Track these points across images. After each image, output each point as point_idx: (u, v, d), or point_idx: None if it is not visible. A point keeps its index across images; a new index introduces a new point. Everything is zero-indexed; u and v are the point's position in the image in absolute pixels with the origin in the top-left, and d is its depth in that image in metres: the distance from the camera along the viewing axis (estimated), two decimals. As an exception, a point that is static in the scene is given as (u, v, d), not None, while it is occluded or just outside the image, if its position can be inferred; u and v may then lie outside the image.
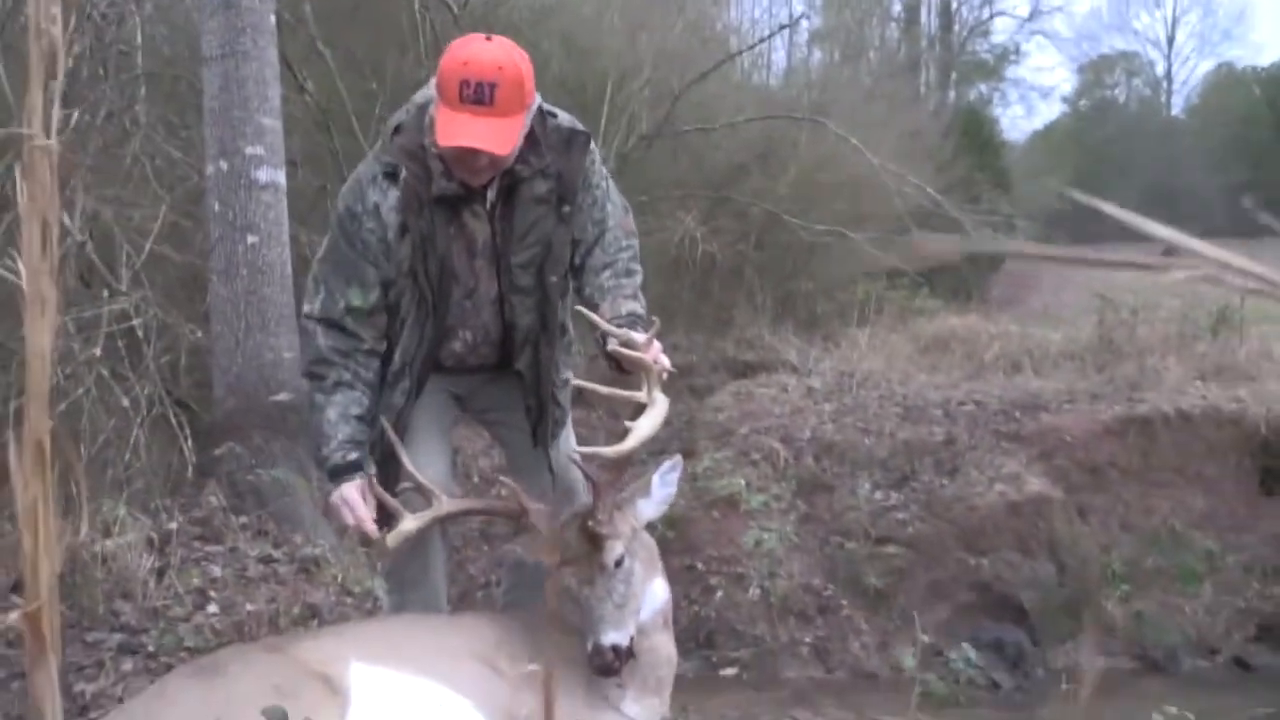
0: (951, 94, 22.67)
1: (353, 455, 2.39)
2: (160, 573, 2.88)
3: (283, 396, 4.07)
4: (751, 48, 11.65)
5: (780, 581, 6.03)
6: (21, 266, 0.55)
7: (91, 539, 2.89)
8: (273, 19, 4.16)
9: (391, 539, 2.17)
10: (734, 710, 5.06)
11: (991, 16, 24.38)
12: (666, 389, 7.40)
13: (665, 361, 2.30)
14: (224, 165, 4.01)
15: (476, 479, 6.41)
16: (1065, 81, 49.57)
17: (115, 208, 4.36)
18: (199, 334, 4.55)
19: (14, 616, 0.50)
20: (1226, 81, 34.73)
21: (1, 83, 3.65)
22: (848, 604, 5.99)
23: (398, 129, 2.41)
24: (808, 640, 5.88)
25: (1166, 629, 5.92)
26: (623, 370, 2.28)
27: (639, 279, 2.53)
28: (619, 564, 2.17)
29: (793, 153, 11.11)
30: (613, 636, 2.10)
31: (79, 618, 2.61)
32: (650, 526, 6.50)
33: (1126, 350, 7.63)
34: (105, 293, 4.19)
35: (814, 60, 18.42)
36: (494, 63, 2.21)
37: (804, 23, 18.02)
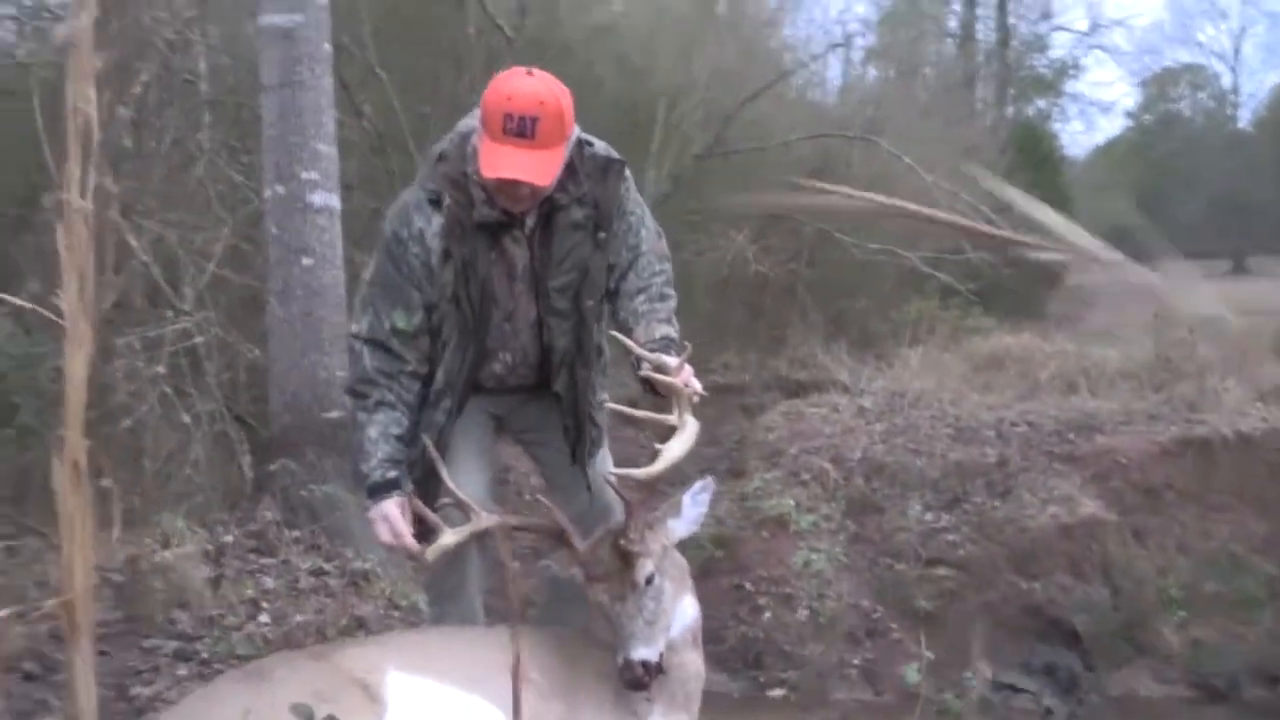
0: (1009, 110, 22.40)
1: (392, 473, 2.46)
2: (216, 583, 2.99)
3: (335, 414, 4.19)
4: (803, 67, 11.67)
5: (829, 602, 6.00)
6: (64, 307, 0.62)
7: (151, 550, 3.01)
8: (328, 48, 4.30)
9: (430, 553, 2.24)
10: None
11: (1049, 31, 24.08)
12: (719, 407, 7.41)
13: (696, 385, 2.34)
14: (281, 190, 4.16)
15: (527, 496, 6.49)
16: (1126, 96, 48.68)
17: (180, 231, 4.53)
18: (257, 353, 4.70)
19: (51, 604, 0.57)
20: (1295, 94, 33.85)
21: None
22: (897, 626, 5.94)
23: (441, 157, 2.50)
24: (856, 662, 5.84)
25: (1226, 656, 5.76)
26: (657, 393, 2.33)
27: (673, 303, 2.59)
28: (649, 581, 2.22)
29: (846, 171, 11.08)
30: (643, 652, 2.14)
31: (137, 625, 2.72)
32: (700, 546, 6.54)
33: (1186, 370, 7.45)
34: (170, 313, 4.36)
35: (869, 77, 18.37)
36: (536, 97, 2.28)
37: (859, 40, 18.00)
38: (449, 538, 2.24)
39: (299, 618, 2.79)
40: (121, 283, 4.04)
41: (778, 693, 5.69)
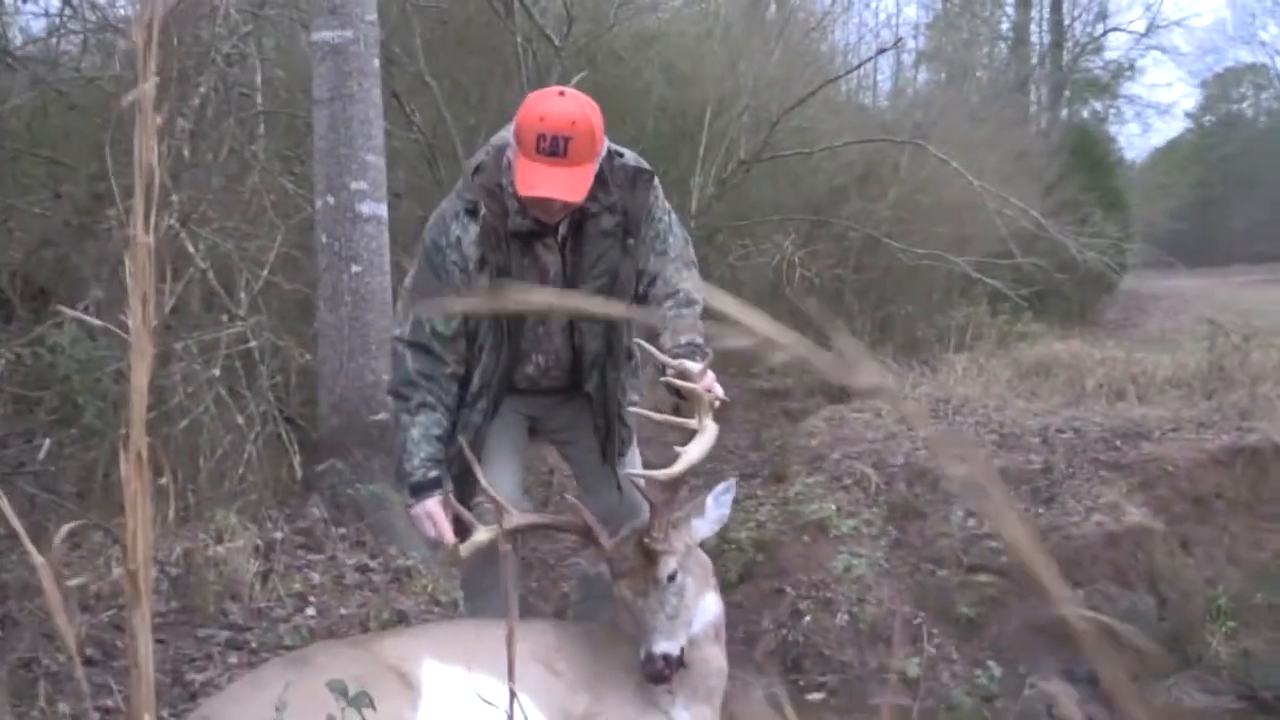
0: (1064, 112, 22.06)
1: (433, 473, 2.57)
2: (265, 577, 3.11)
3: (382, 416, 4.31)
4: (849, 72, 11.65)
5: (869, 607, 6.00)
6: (131, 323, 0.72)
7: (205, 545, 3.14)
8: (377, 63, 4.43)
9: (465, 549, 2.33)
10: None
11: (1105, 33, 23.61)
12: (762, 411, 7.46)
13: (718, 390, 2.41)
14: (331, 200, 4.29)
15: (570, 496, 6.59)
16: (1186, 97, 47.59)
17: (235, 239, 4.70)
18: (307, 357, 4.84)
19: (118, 573, 0.66)
20: (1365, 93, 32.89)
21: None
22: (938, 632, 5.92)
23: (478, 169, 2.61)
24: (913, 676, 5.83)
25: (1276, 668, 5.66)
26: (681, 398, 2.40)
27: (699, 308, 2.66)
28: (672, 578, 2.29)
29: (893, 175, 11.06)
30: (664, 646, 2.21)
31: (192, 615, 2.85)
32: (741, 550, 6.56)
33: (1238, 378, 7.33)
34: (225, 317, 4.51)
35: (920, 80, 18.26)
36: (568, 117, 2.37)
37: (910, 43, 17.89)
38: (482, 535, 2.33)
39: (343, 611, 2.91)
40: (180, 289, 4.20)
41: (816, 696, 5.70)
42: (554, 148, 2.34)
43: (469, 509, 2.46)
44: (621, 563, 2.31)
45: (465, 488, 2.56)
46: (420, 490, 2.57)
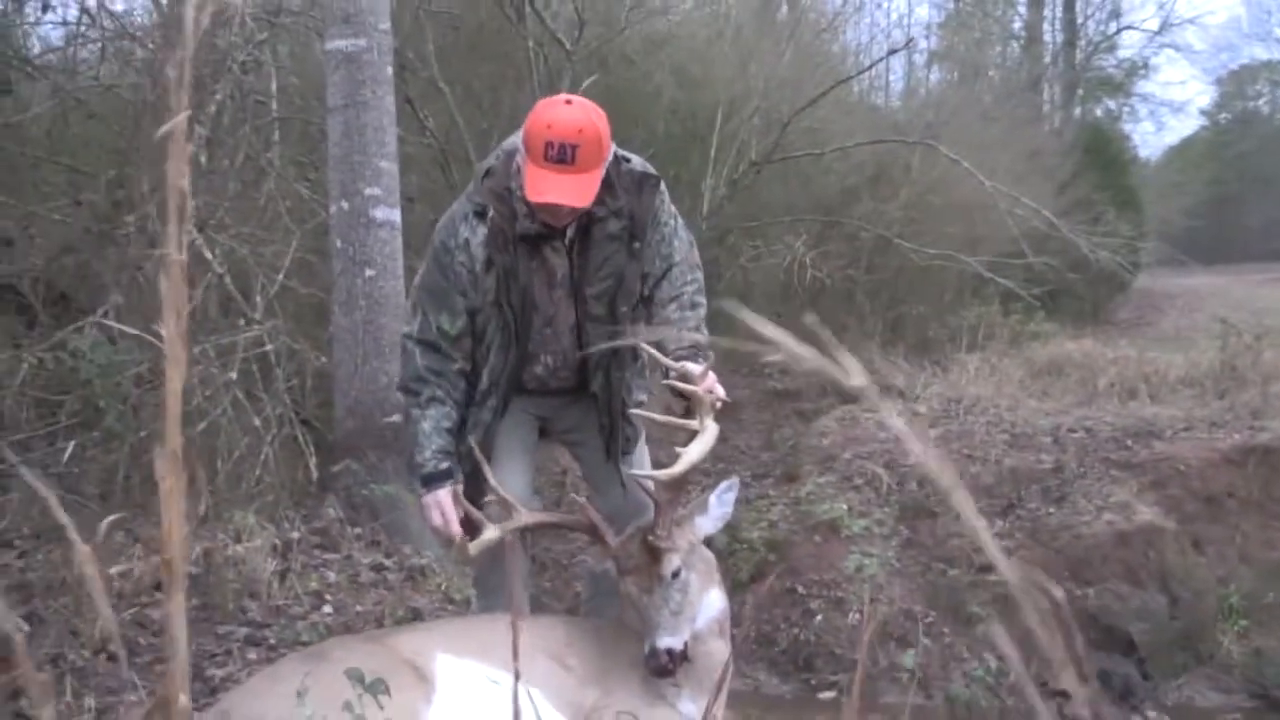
0: (1077, 111, 21.98)
1: (444, 464, 2.65)
2: (283, 576, 3.18)
3: (396, 418, 4.37)
4: (861, 73, 11.66)
5: (881, 607, 6.04)
6: (164, 333, 0.79)
7: (224, 544, 3.21)
8: (390, 71, 4.50)
9: (474, 547, 2.39)
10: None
11: (1118, 31, 23.49)
12: (774, 412, 7.48)
13: (720, 391, 2.46)
14: (345, 205, 4.36)
15: (577, 496, 6.64)
16: (1200, 95, 47.34)
17: (251, 244, 4.77)
18: (323, 360, 4.91)
19: (158, 559, 0.72)
20: (1384, 89, 32.64)
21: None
22: (949, 631, 5.94)
23: (488, 172, 2.67)
24: (915, 672, 5.85)
25: (1288, 667, 5.66)
26: (685, 399, 2.46)
27: (703, 310, 2.71)
28: (676, 575, 2.34)
29: (905, 176, 11.06)
30: (668, 641, 2.27)
31: (212, 613, 2.91)
32: (753, 549, 6.60)
33: (1250, 377, 7.31)
34: (241, 321, 4.59)
35: (932, 79, 18.23)
36: (575, 125, 2.43)
37: (922, 43, 17.87)
38: (491, 533, 2.39)
39: (359, 608, 2.97)
40: (198, 294, 4.27)
41: (828, 695, 5.74)
42: (561, 155, 2.40)
43: (479, 508, 2.51)
44: (627, 560, 2.37)
45: (476, 487, 2.63)
46: (431, 481, 2.64)
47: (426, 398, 2.67)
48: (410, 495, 4.15)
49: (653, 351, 2.52)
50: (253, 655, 2.71)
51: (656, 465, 2.69)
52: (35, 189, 5.29)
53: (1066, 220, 10.58)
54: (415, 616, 2.97)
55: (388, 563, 3.48)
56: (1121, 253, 10.95)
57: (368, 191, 4.34)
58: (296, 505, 4.05)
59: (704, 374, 2.44)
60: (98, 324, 4.17)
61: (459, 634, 2.27)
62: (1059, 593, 0.69)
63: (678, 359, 2.48)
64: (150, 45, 5.68)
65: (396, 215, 4.48)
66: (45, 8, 5.83)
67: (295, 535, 3.49)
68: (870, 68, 12.86)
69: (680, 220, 2.79)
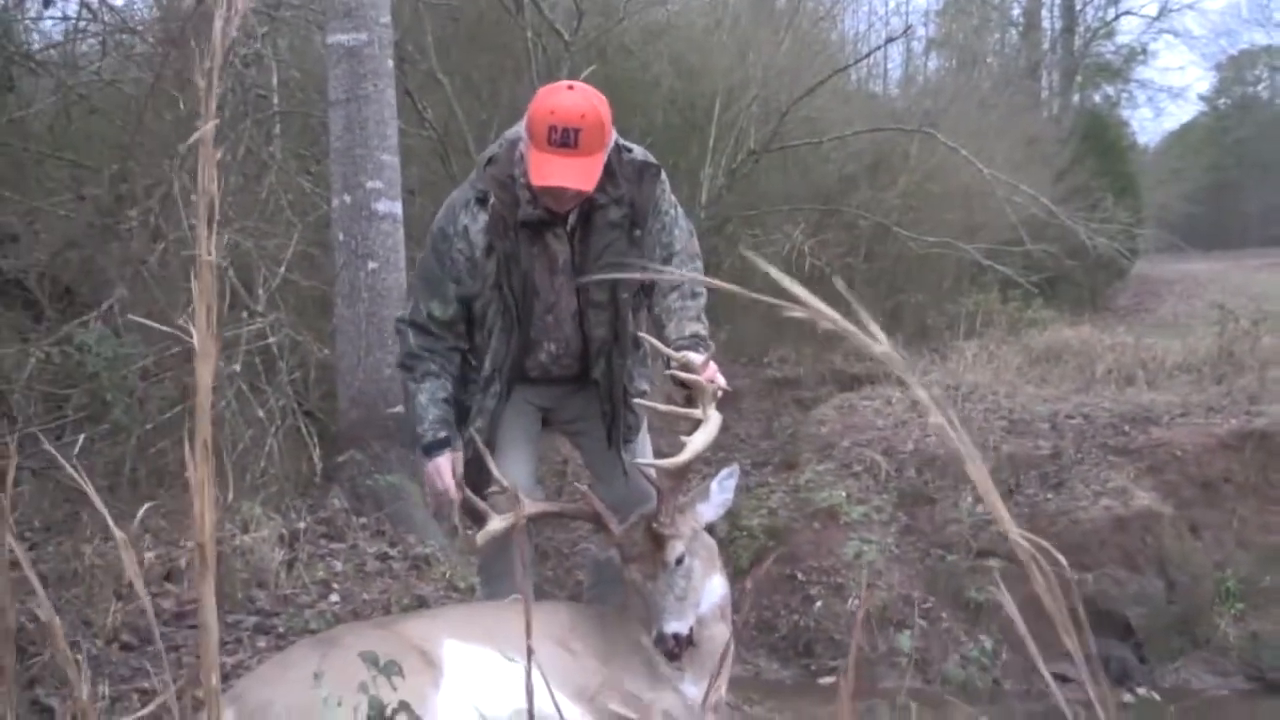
0: (1075, 98, 21.96)
1: (443, 433, 2.73)
2: (290, 565, 3.23)
3: (399, 409, 4.41)
4: (858, 61, 11.65)
5: (880, 592, 6.09)
6: (195, 331, 0.83)
7: (232, 535, 3.26)
8: (391, 64, 4.52)
9: (480, 538, 2.44)
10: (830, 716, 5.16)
11: (1117, 17, 23.44)
12: (773, 400, 7.52)
13: (721, 381, 2.51)
14: (347, 199, 4.39)
15: (580, 485, 6.69)
16: (1199, 81, 47.25)
17: (254, 238, 4.80)
18: (326, 352, 4.95)
19: (190, 545, 0.76)
20: (1384, 73, 32.58)
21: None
22: (948, 616, 6.00)
23: (491, 160, 2.71)
24: (905, 649, 5.91)
25: (1285, 650, 5.72)
26: (687, 388, 2.50)
27: (703, 300, 2.76)
28: (680, 561, 2.39)
29: (903, 164, 11.07)
30: (674, 626, 2.32)
31: (221, 602, 2.96)
32: (753, 537, 6.64)
33: (1247, 363, 7.36)
34: (245, 314, 4.62)
35: (930, 67, 18.22)
36: (577, 110, 2.47)
37: (920, 30, 17.84)
38: (496, 524, 2.44)
39: (365, 597, 3.02)
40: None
41: (828, 680, 5.80)
42: (565, 139, 2.45)
43: (483, 498, 2.56)
44: (631, 548, 2.42)
45: (480, 477, 2.67)
46: (431, 449, 2.73)
47: (422, 372, 2.75)
48: (414, 485, 4.21)
49: (654, 342, 2.56)
50: (262, 643, 2.76)
51: (659, 454, 2.73)
52: (39, 184, 5.32)
53: (1065, 207, 10.61)
54: (421, 604, 3.02)
55: (393, 552, 3.53)
56: (1119, 239, 10.98)
57: (369, 185, 4.38)
58: (302, 496, 4.09)
59: (705, 363, 2.48)
60: (102, 318, 4.21)
61: (465, 620, 2.32)
62: (1063, 559, 0.73)
63: (679, 349, 2.52)
64: (151, 39, 5.70)
65: (398, 208, 4.52)
66: (47, 3, 5.85)
67: (301, 525, 3.54)
68: (868, 55, 12.85)
69: (680, 210, 2.83)
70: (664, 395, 2.79)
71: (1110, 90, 24.58)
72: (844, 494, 6.59)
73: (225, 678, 2.52)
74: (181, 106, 4.98)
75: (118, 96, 5.77)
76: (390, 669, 1.47)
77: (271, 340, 4.68)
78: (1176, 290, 16.53)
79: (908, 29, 14.64)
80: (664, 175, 2.75)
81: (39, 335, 4.27)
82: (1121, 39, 24.33)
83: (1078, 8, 22.94)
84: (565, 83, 2.60)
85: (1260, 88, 34.86)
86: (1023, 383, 8.01)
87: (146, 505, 1.42)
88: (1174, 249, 15.92)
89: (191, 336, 0.94)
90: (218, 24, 0.77)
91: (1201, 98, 34.10)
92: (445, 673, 2.09)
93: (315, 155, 5.97)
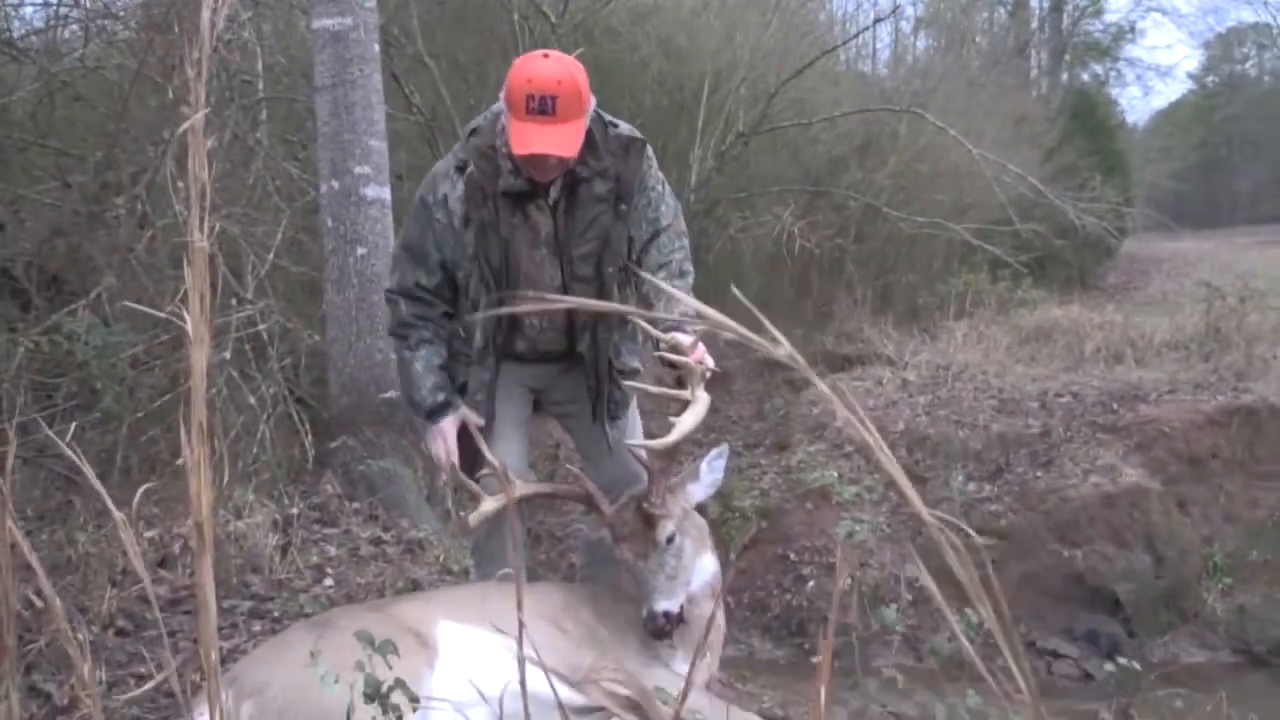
0: (1064, 77, 21.95)
1: (441, 396, 2.74)
2: (284, 550, 3.24)
3: (391, 394, 4.42)
4: (846, 42, 11.63)
5: (871, 572, 6.14)
6: (188, 317, 0.83)
7: (226, 521, 3.27)
8: (377, 48, 4.50)
9: (472, 519, 2.45)
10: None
11: (1106, -5, 23.44)
12: (765, 382, 7.53)
13: (710, 362, 2.51)
14: (335, 184, 4.38)
15: (571, 467, 6.70)
16: (1187, 59, 47.29)
17: (242, 225, 4.78)
18: (316, 338, 4.94)
19: (184, 530, 0.77)
20: (1371, 50, 32.65)
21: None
22: (940, 594, 6.05)
23: (474, 131, 2.71)
24: (899, 630, 5.95)
25: (1270, 622, 5.78)
26: (676, 369, 2.51)
27: (691, 279, 2.76)
28: (670, 541, 2.41)
29: (892, 144, 11.06)
30: (664, 604, 2.34)
31: (216, 587, 2.96)
32: (745, 518, 6.66)
33: (1235, 340, 7.41)
34: (234, 301, 4.61)
35: (919, 47, 18.15)
36: (554, 77, 2.47)
37: (909, 9, 17.75)
38: (488, 505, 2.45)
39: (360, 581, 3.04)
40: (189, 275, 4.27)
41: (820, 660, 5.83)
42: (543, 106, 2.45)
43: (476, 480, 2.57)
44: (622, 528, 2.44)
45: (472, 459, 2.68)
46: (433, 414, 2.74)
47: (415, 340, 2.76)
48: (406, 469, 4.22)
49: (643, 324, 2.57)
50: (258, 628, 2.78)
51: (650, 436, 2.74)
52: (24, 173, 5.28)
53: (1053, 186, 10.62)
54: (415, 588, 3.04)
55: (386, 536, 3.55)
56: (1108, 218, 11.00)
57: (357, 170, 4.36)
58: (294, 482, 4.10)
59: (694, 345, 2.49)
60: (91, 306, 4.20)
61: (459, 602, 2.34)
62: (972, 533, 0.75)
63: (667, 330, 2.52)
64: (133, 25, 5.66)
65: (386, 193, 4.50)
66: (26, -12, 5.79)
67: (294, 511, 3.55)
68: (856, 36, 12.82)
69: (668, 186, 2.82)
70: (654, 376, 2.80)
71: (1099, 69, 24.60)
72: (836, 474, 6.63)
73: (221, 662, 2.53)
74: (170, 94, 4.95)
75: (101, 83, 5.73)
76: (385, 648, 1.49)
77: (261, 327, 4.67)
78: (1165, 269, 16.60)
79: (896, 9, 14.55)
80: (650, 150, 2.75)
81: (27, 324, 4.25)
82: (1110, 17, 24.34)
83: (1065, -14, 22.89)
84: (541, 51, 2.59)
85: (1248, 65, 34.92)
86: (1012, 362, 8.06)
87: (144, 487, 1.43)
88: (1163, 228, 15.96)
89: (184, 323, 0.94)
90: (205, 14, 0.77)
91: (1190, 76, 34.22)
92: (440, 653, 2.11)
93: (302, 140, 5.94)
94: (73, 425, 2.92)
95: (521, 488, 2.49)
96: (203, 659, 0.74)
